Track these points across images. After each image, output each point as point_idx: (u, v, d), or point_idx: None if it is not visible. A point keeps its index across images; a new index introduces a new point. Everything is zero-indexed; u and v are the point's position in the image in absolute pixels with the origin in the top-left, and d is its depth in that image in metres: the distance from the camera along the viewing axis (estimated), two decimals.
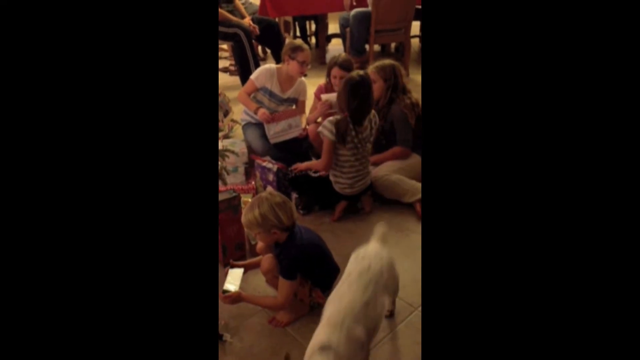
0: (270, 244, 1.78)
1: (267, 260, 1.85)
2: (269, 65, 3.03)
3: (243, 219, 1.73)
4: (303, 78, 3.09)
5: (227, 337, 1.68)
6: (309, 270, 1.76)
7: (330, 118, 2.30)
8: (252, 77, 2.97)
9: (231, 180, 2.67)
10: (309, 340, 1.68)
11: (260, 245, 1.91)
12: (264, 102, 2.97)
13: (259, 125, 2.94)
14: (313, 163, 2.51)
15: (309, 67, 2.92)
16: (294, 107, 3.08)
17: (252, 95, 2.95)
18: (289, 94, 3.01)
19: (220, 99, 3.12)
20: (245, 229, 2.16)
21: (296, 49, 2.85)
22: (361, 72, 2.34)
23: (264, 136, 2.89)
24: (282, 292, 1.72)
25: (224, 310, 1.82)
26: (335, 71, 2.78)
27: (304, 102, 3.11)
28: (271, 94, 2.96)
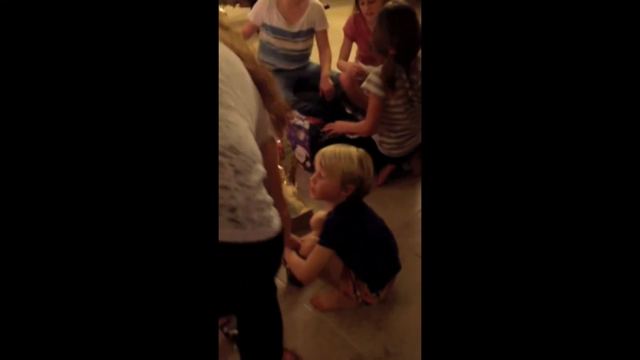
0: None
1: (319, 215, 1.68)
2: None
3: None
4: (317, 1, 2.48)
5: None
6: (348, 253, 1.49)
7: (376, 69, 1.89)
8: (249, 15, 2.44)
9: None
10: (361, 343, 1.47)
11: (314, 218, 1.72)
12: (273, 43, 2.46)
13: (282, 73, 2.53)
14: (353, 125, 2.11)
15: None
16: (311, 41, 2.54)
17: (259, 38, 2.46)
18: (300, 25, 2.42)
19: None
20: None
21: None
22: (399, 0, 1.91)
23: (287, 86, 2.50)
24: (311, 256, 1.47)
25: None
26: None
27: (324, 33, 2.50)
28: (274, 30, 2.42)
